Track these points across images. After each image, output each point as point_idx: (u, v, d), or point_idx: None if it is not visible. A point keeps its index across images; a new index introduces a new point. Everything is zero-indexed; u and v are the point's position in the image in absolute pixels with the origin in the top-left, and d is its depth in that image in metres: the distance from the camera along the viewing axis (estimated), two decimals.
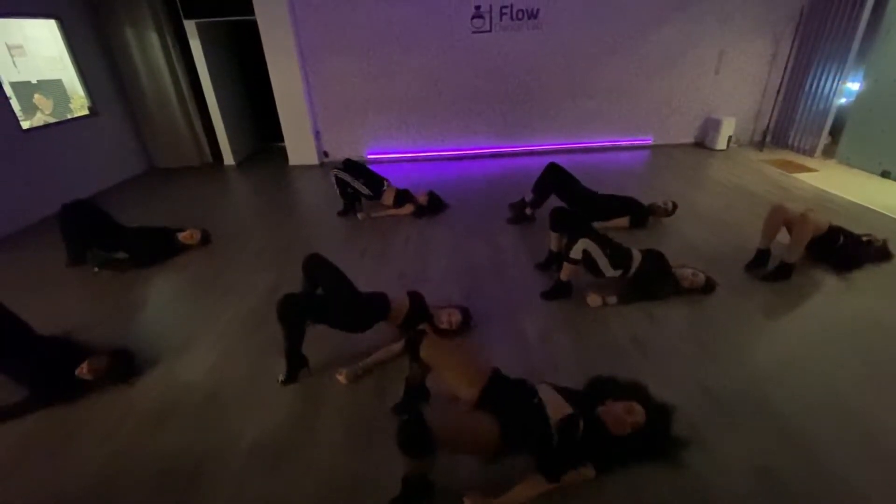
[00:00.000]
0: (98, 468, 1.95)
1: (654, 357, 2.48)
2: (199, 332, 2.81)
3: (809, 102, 6.06)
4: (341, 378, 2.34)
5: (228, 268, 3.63)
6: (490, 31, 5.90)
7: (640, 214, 3.97)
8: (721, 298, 2.97)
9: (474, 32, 5.91)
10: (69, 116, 5.35)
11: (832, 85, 5.75)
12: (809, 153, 6.04)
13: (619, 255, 2.84)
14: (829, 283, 3.10)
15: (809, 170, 5.49)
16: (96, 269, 3.61)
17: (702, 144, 6.71)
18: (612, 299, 2.92)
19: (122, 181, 5.94)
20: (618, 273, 2.84)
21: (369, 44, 5.90)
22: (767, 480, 1.77)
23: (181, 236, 3.86)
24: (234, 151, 6.54)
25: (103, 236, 3.67)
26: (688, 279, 2.93)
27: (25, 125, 4.77)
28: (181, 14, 5.61)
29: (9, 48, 4.96)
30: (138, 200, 5.28)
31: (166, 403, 2.28)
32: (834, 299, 2.97)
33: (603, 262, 2.79)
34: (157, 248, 3.75)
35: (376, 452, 1.93)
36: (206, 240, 3.99)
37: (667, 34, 6.08)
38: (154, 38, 5.78)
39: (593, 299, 2.91)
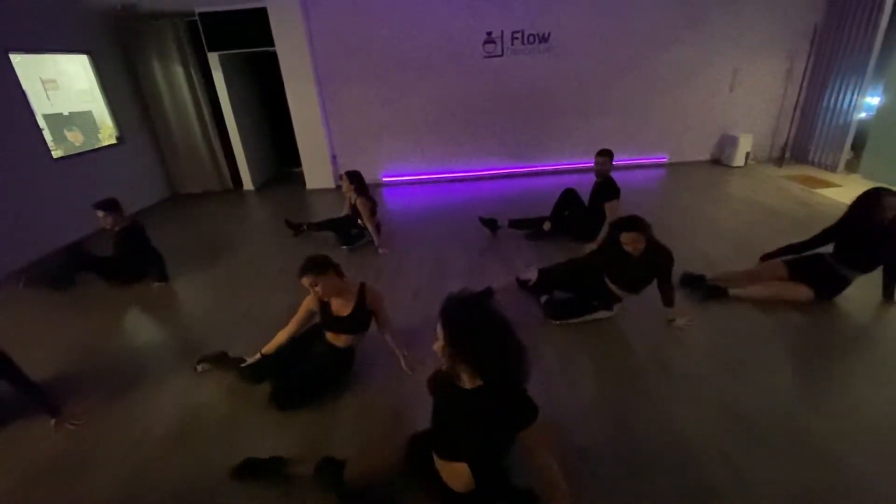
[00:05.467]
0: (113, 492, 1.93)
1: (678, 378, 2.40)
2: (223, 346, 2.82)
3: (829, 117, 5.97)
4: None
5: (246, 289, 3.66)
6: (502, 55, 6.01)
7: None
8: (745, 315, 2.88)
9: (486, 57, 6.02)
10: (97, 146, 5.57)
11: (851, 99, 5.67)
12: (831, 168, 5.92)
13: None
14: (862, 301, 2.98)
15: (832, 185, 5.36)
16: None
17: (718, 161, 6.63)
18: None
19: (146, 207, 6.11)
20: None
21: (384, 70, 6.06)
22: None
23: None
24: (253, 177, 6.70)
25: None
26: (629, 244, 2.60)
27: (56, 154, 4.98)
28: (205, 47, 5.85)
29: (43, 82, 5.23)
30: (161, 225, 5.41)
31: (184, 425, 2.27)
32: (869, 319, 2.85)
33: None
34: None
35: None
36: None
37: (679, 53, 6.10)
38: (179, 70, 6.03)
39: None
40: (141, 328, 3.26)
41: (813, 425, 2.04)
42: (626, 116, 6.40)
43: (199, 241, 4.82)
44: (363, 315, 2.36)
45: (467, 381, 1.41)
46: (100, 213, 3.54)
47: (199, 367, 2.61)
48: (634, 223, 2.56)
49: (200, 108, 6.27)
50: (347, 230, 4.33)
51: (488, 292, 3.13)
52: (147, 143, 6.29)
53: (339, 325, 2.36)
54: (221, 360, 2.58)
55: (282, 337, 2.42)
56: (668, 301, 2.75)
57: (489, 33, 5.90)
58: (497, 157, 6.62)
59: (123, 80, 5.95)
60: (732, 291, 3.05)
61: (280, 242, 4.62)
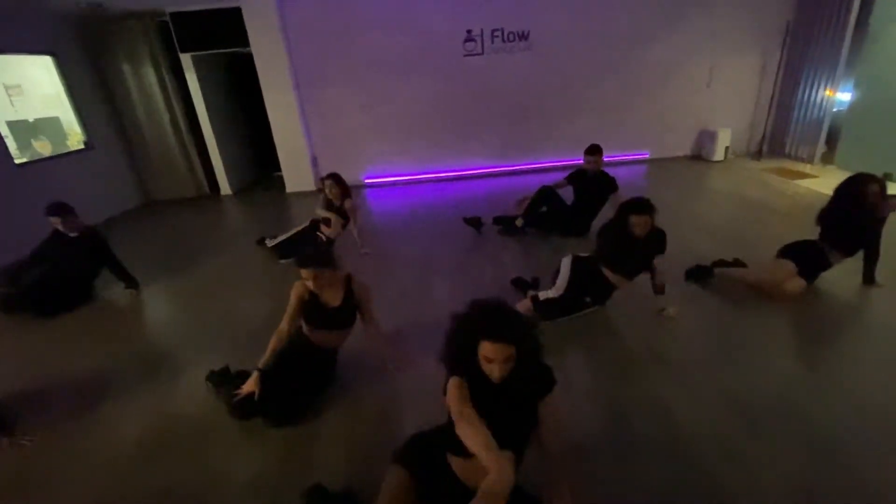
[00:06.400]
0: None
1: (671, 366, 2.35)
2: (193, 362, 2.67)
3: (803, 111, 6.09)
4: None
5: (222, 296, 3.51)
6: (482, 53, 5.98)
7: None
8: (733, 302, 2.86)
9: (466, 56, 5.98)
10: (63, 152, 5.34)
11: (824, 94, 5.78)
12: (808, 160, 6.03)
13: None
14: (844, 286, 2.99)
15: (810, 176, 5.45)
16: None
17: (699, 157, 6.71)
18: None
19: (117, 214, 5.87)
20: None
21: (364, 71, 5.96)
22: (810, 497, 1.61)
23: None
24: (230, 181, 6.51)
25: None
26: (638, 226, 2.59)
27: (19, 161, 4.74)
28: (177, 48, 5.68)
29: (6, 88, 5.00)
30: (133, 232, 5.20)
31: (154, 440, 2.12)
32: (853, 302, 2.86)
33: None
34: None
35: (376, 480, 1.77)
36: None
37: (657, 51, 6.16)
38: (150, 72, 5.84)
39: None
40: (108, 339, 3.07)
41: (808, 408, 2.01)
42: (608, 114, 6.42)
43: (173, 249, 4.63)
44: (351, 307, 2.26)
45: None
46: (53, 219, 3.32)
47: (208, 385, 2.39)
48: (645, 206, 2.57)
49: (174, 111, 6.07)
50: (311, 241, 3.83)
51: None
52: (117, 148, 6.06)
53: (328, 317, 2.24)
54: (223, 380, 2.34)
55: (276, 343, 2.20)
56: (658, 289, 2.72)
57: (469, 31, 5.87)
58: (481, 156, 6.57)
59: (91, 83, 5.72)
60: (718, 270, 3.10)
61: (258, 248, 4.46)
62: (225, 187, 6.50)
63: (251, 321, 3.02)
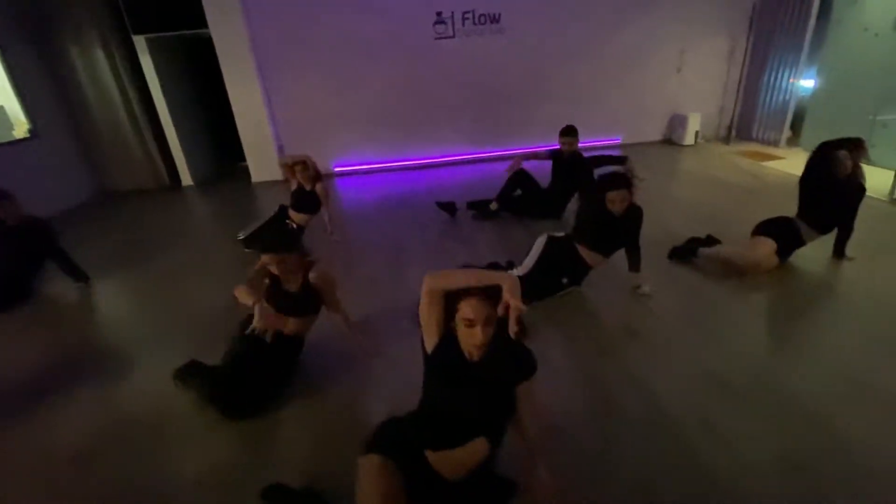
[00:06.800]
0: None
1: (653, 347, 2.29)
2: (147, 357, 2.48)
3: (769, 96, 6.18)
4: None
5: (180, 289, 3.30)
6: (453, 36, 5.83)
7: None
8: (709, 279, 2.84)
9: (437, 38, 5.82)
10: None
11: (789, 76, 5.88)
12: (774, 144, 6.14)
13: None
14: (816, 261, 3.01)
15: (777, 158, 5.55)
16: None
17: (670, 141, 6.75)
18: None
19: (69, 207, 5.49)
20: None
21: (330, 54, 5.73)
22: (789, 464, 1.58)
23: None
24: (192, 171, 6.18)
25: None
26: (616, 202, 2.50)
27: None
28: (129, 30, 5.33)
29: None
30: (88, 226, 4.87)
31: (111, 433, 1.96)
32: (825, 276, 2.88)
33: None
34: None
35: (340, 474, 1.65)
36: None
37: (628, 35, 6.14)
38: (101, 56, 5.46)
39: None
40: (54, 337, 2.83)
41: (786, 378, 1.99)
42: (580, 99, 6.38)
43: (130, 242, 4.34)
44: (309, 296, 2.12)
45: (476, 355, 1.25)
46: None
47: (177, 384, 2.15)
48: (621, 180, 2.48)
49: (128, 97, 5.71)
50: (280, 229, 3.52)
51: None
52: (67, 138, 5.66)
53: (285, 303, 2.09)
54: (191, 373, 2.11)
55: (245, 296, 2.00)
56: (634, 265, 2.67)
57: (439, 13, 5.70)
58: (453, 143, 6.44)
59: (35, 67, 5.30)
60: (701, 250, 3.05)
61: (219, 241, 4.23)
62: (186, 178, 6.18)
63: (212, 313, 2.83)
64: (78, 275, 3.36)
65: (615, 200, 2.48)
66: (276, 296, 2.11)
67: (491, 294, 1.16)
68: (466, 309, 1.17)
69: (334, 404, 2.05)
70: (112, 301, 3.29)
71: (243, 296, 2.01)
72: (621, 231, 2.62)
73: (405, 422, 1.39)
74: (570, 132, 3.93)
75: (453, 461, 1.29)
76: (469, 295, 1.17)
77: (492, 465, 1.37)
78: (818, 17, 5.52)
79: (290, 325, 2.13)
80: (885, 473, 1.54)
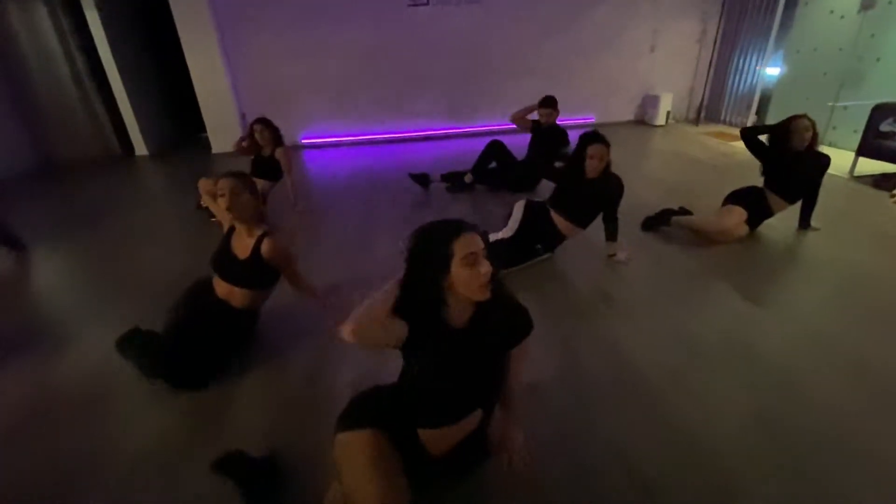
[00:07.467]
0: None
1: (625, 310, 2.27)
2: (86, 326, 2.27)
3: (738, 79, 6.27)
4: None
5: (127, 257, 3.07)
6: (427, 3, 5.62)
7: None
8: (680, 247, 2.85)
9: (410, 5, 5.60)
10: None
11: (757, 61, 5.97)
12: (741, 126, 6.24)
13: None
14: (782, 232, 3.06)
15: None
16: None
17: (642, 121, 6.79)
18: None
19: (8, 176, 5.03)
20: None
21: (296, 17, 5.43)
22: (760, 421, 1.57)
23: None
24: (147, 140, 5.79)
25: None
26: (594, 158, 2.44)
27: None
28: None
29: None
30: (28, 196, 4.47)
31: (43, 406, 1.77)
32: (791, 244, 2.93)
33: None
34: None
35: (300, 444, 1.54)
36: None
37: (602, 13, 6.08)
38: (42, 12, 4.99)
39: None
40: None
41: (755, 339, 2.00)
42: (555, 77, 6.29)
43: (75, 211, 4.02)
44: (258, 268, 1.90)
45: (464, 319, 1.12)
46: None
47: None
48: (602, 137, 2.44)
49: (73, 59, 5.26)
50: None
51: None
52: (3, 101, 5.17)
53: (230, 268, 1.92)
54: (132, 341, 1.86)
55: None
56: (611, 235, 2.64)
57: None
58: (427, 117, 6.27)
59: None
60: (674, 219, 3.06)
61: (175, 209, 3.97)
62: (140, 147, 5.78)
63: (167, 280, 2.61)
64: (12, 243, 3.06)
65: (594, 156, 2.42)
66: (221, 254, 1.94)
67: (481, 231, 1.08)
68: (464, 245, 1.03)
69: (295, 375, 1.91)
70: (51, 271, 3.02)
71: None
72: (595, 197, 2.56)
73: (386, 395, 1.25)
74: (549, 103, 3.86)
75: (447, 437, 1.19)
76: (461, 232, 1.04)
77: (482, 434, 1.28)
78: (786, 1, 5.60)
79: (238, 296, 1.93)
80: (845, 421, 1.55)
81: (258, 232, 1.91)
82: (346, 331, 1.01)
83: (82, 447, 1.58)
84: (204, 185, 2.17)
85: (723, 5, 6.13)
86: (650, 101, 6.59)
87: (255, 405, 1.76)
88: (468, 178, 4.02)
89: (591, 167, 2.46)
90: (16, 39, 5.06)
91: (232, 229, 1.97)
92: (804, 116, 2.75)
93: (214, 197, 1.94)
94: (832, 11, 4.99)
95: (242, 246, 1.92)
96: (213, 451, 1.44)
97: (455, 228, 1.05)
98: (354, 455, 1.08)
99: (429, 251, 1.05)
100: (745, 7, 5.98)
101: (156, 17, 5.72)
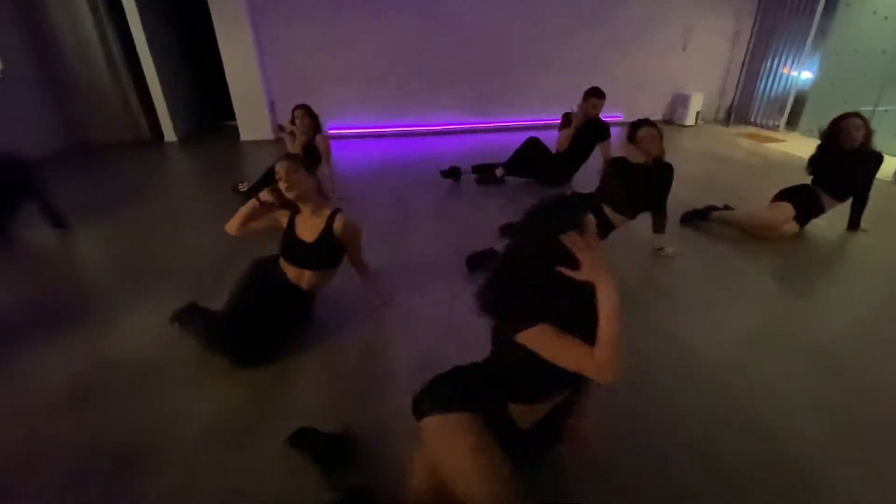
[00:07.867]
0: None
1: (679, 302, 2.25)
2: (136, 303, 2.28)
3: (771, 80, 6.17)
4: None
5: (167, 238, 3.09)
6: None
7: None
8: (732, 246, 2.81)
9: None
10: None
11: (792, 62, 5.86)
12: (773, 129, 6.15)
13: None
14: (831, 231, 3.00)
15: (777, 140, 5.58)
16: None
17: (671, 121, 6.70)
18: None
19: (44, 154, 5.06)
20: None
21: (328, 9, 5.43)
22: (839, 419, 1.54)
23: None
24: (176, 127, 5.83)
25: None
26: (645, 140, 2.43)
27: None
28: None
29: None
30: (63, 175, 4.51)
31: (99, 381, 1.77)
32: (841, 244, 2.88)
33: None
34: None
35: (363, 421, 1.54)
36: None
37: (637, 9, 6.01)
38: None
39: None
40: (32, 283, 2.59)
41: (810, 332, 1.99)
42: (584, 70, 6.20)
43: (110, 192, 4.04)
44: (329, 247, 1.93)
45: None
46: None
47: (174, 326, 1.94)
48: (652, 122, 2.42)
49: (107, 42, 5.30)
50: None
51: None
52: (39, 83, 5.22)
53: (298, 253, 1.93)
54: (191, 316, 1.90)
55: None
56: (659, 227, 2.61)
57: None
58: (454, 110, 6.24)
59: (3, 7, 4.83)
60: (715, 214, 3.03)
61: (212, 193, 3.99)
62: (170, 133, 5.82)
63: (210, 261, 2.64)
64: (58, 220, 3.10)
65: (645, 138, 2.39)
66: (288, 241, 1.95)
67: None
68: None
69: (352, 352, 1.92)
70: (97, 248, 3.04)
71: (234, 221, 1.94)
72: (647, 187, 2.51)
73: (472, 375, 1.22)
74: (596, 94, 3.75)
75: (535, 412, 1.18)
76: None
77: (567, 410, 1.26)
78: (826, 2, 5.49)
79: (307, 278, 1.96)
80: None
81: (327, 210, 1.93)
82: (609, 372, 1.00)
83: (148, 417, 1.59)
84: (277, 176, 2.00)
85: (758, 4, 6.03)
86: (680, 100, 6.51)
87: (316, 381, 1.77)
88: (499, 172, 3.99)
89: (646, 149, 2.41)
90: (53, 23, 5.12)
91: (293, 217, 1.97)
92: (855, 115, 2.70)
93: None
94: (875, 12, 4.89)
95: (309, 228, 1.92)
96: (282, 426, 1.46)
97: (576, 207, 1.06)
98: (455, 440, 1.06)
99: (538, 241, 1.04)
100: (782, 6, 5.87)
101: (190, 4, 5.76)
